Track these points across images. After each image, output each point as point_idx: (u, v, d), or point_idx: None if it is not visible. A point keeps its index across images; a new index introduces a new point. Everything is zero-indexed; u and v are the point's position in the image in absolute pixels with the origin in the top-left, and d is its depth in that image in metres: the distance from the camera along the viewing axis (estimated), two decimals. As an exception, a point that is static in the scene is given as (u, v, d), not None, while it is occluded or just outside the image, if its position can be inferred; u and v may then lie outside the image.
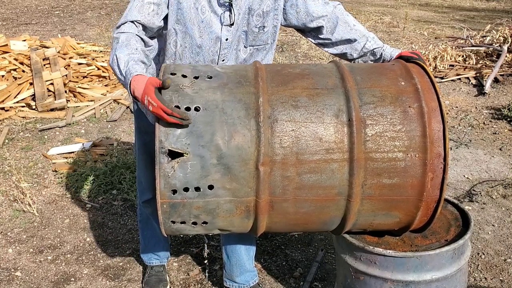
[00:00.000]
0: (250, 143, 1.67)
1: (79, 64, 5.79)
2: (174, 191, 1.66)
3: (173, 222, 1.74)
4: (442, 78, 6.05)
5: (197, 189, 1.67)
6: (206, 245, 3.00)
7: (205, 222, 1.76)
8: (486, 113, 5.14)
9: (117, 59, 1.83)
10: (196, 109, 1.68)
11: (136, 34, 1.93)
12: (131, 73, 1.77)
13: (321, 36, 2.20)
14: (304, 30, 2.23)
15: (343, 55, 2.23)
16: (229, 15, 2.02)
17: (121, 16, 2.02)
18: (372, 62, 2.20)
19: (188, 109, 1.68)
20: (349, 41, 2.17)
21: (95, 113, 5.17)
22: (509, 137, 4.58)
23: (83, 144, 4.38)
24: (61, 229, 3.29)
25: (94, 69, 5.81)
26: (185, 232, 1.82)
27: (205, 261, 2.91)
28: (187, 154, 1.64)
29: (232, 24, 2.03)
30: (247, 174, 1.67)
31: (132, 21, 1.93)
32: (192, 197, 1.68)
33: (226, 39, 2.05)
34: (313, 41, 2.25)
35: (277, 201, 1.73)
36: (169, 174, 1.64)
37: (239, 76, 1.81)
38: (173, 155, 1.64)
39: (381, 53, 2.16)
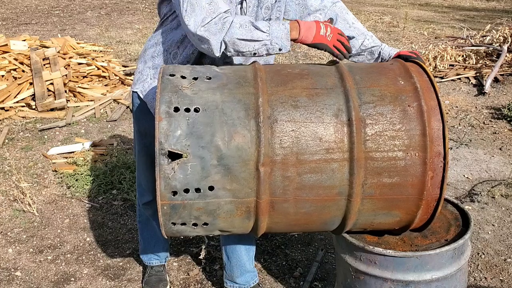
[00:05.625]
0: (250, 143, 1.66)
1: (79, 64, 5.79)
2: (175, 193, 1.66)
3: (174, 223, 1.74)
4: (442, 78, 6.05)
5: (198, 190, 1.67)
6: (204, 245, 3.00)
7: (205, 223, 1.76)
8: (486, 113, 5.14)
9: (253, 25, 1.83)
10: (196, 110, 1.68)
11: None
12: (285, 23, 1.85)
13: None
14: None
15: None
16: (240, 8, 2.05)
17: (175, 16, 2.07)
18: (370, 61, 2.20)
19: (187, 110, 1.67)
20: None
21: (95, 113, 5.17)
22: (509, 137, 4.58)
23: (83, 144, 4.38)
24: (61, 229, 3.29)
25: (94, 69, 5.80)
26: (185, 234, 1.82)
27: (203, 261, 2.91)
28: (187, 155, 1.63)
29: None
30: (248, 174, 1.67)
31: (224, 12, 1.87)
32: (193, 198, 1.67)
33: None
34: None
35: (277, 202, 1.73)
36: (169, 175, 1.64)
37: (238, 77, 1.80)
38: (173, 156, 1.64)
39: (379, 52, 2.17)
